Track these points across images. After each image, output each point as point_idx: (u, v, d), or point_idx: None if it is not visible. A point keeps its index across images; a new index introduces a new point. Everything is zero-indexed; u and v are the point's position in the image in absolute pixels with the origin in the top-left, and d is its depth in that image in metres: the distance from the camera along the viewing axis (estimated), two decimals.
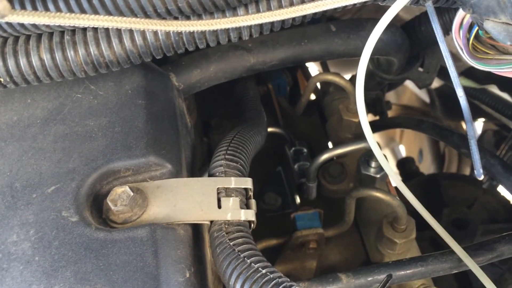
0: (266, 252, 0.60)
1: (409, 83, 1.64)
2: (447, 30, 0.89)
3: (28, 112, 0.69)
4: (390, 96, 1.94)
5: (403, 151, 2.25)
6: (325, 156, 0.96)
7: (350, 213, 0.93)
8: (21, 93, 0.70)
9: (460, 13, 0.58)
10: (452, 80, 0.60)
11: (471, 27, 0.59)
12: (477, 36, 0.60)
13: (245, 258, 0.56)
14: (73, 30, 0.64)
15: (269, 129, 1.04)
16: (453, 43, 0.61)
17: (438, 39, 0.60)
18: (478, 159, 0.61)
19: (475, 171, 0.63)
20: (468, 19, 0.58)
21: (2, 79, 0.64)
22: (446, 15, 0.90)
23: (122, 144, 0.65)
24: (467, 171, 1.80)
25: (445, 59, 0.60)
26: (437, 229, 0.72)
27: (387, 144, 2.27)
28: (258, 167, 0.83)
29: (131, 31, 0.64)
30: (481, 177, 0.62)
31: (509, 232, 0.77)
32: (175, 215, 0.61)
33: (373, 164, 0.96)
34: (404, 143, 2.23)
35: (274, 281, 0.54)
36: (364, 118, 0.66)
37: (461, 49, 0.60)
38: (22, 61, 0.63)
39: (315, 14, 0.63)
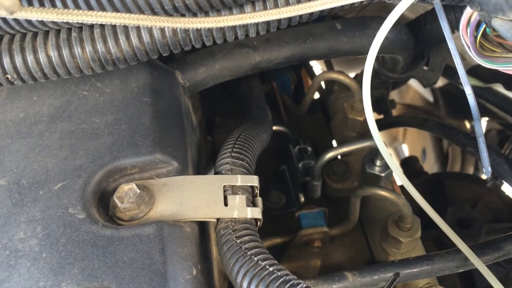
0: (270, 251, 0.60)
1: (412, 82, 1.63)
2: (453, 29, 0.89)
3: (34, 109, 0.69)
4: (394, 95, 1.94)
5: (406, 150, 2.25)
6: (329, 155, 0.96)
7: (355, 212, 0.92)
8: (28, 91, 0.70)
9: (468, 11, 0.58)
10: (460, 78, 0.60)
11: (478, 25, 0.59)
12: (484, 34, 0.60)
13: (252, 256, 0.56)
14: (80, 27, 0.64)
15: (274, 128, 1.04)
16: (458, 41, 0.61)
17: (446, 37, 0.60)
18: (486, 157, 0.61)
19: (483, 169, 0.62)
20: (475, 17, 0.58)
21: (9, 76, 0.64)
22: (452, 13, 0.90)
23: (128, 142, 0.65)
24: (470, 170, 1.80)
25: (453, 57, 0.60)
26: (443, 228, 0.72)
27: (390, 143, 2.27)
28: (262, 165, 0.83)
29: (138, 28, 0.64)
30: (490, 175, 0.62)
31: None
32: (181, 213, 0.61)
33: (378, 162, 0.96)
34: (407, 142, 2.23)
35: (282, 279, 0.54)
36: (371, 116, 0.66)
37: (468, 47, 0.60)
38: (29, 58, 0.63)
39: (321, 12, 0.63)
